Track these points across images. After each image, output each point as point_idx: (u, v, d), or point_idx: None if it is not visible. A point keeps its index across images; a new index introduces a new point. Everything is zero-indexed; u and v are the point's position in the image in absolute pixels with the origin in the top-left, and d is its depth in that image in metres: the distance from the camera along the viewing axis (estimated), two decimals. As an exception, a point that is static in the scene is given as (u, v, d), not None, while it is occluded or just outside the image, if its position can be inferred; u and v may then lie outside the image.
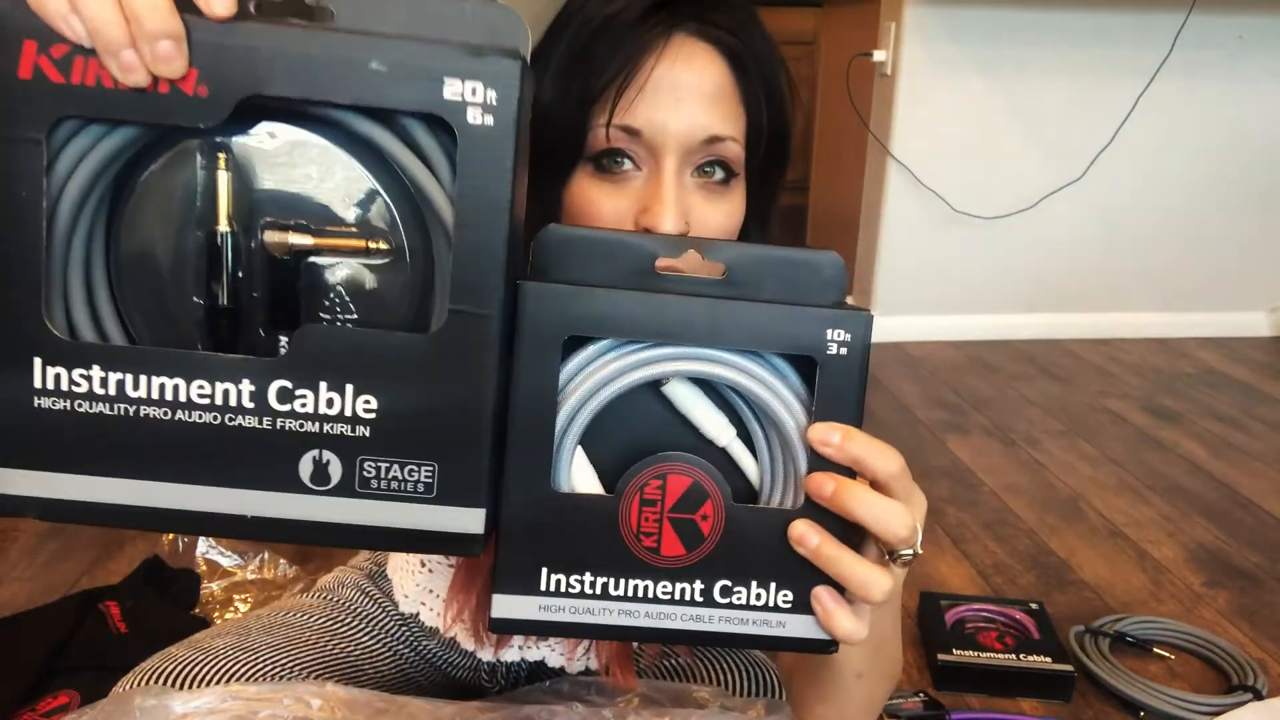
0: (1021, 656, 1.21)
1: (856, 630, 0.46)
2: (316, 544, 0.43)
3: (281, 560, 1.41)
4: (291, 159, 0.41)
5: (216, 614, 1.31)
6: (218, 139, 0.41)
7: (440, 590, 0.83)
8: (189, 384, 0.41)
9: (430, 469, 0.42)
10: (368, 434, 0.41)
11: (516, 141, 0.40)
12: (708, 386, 0.46)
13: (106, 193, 0.41)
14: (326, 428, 0.41)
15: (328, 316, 0.43)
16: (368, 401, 0.41)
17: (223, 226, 0.41)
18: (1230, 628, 1.37)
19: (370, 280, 0.42)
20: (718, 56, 0.60)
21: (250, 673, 0.74)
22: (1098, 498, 1.78)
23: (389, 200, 0.42)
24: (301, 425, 0.41)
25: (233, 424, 0.41)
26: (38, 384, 0.40)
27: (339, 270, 0.42)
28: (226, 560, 1.42)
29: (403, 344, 0.41)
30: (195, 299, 0.42)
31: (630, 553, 0.45)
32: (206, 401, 0.41)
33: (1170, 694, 1.18)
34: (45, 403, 0.41)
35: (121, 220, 0.41)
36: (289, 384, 0.41)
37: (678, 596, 0.45)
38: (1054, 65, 2.54)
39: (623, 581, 0.45)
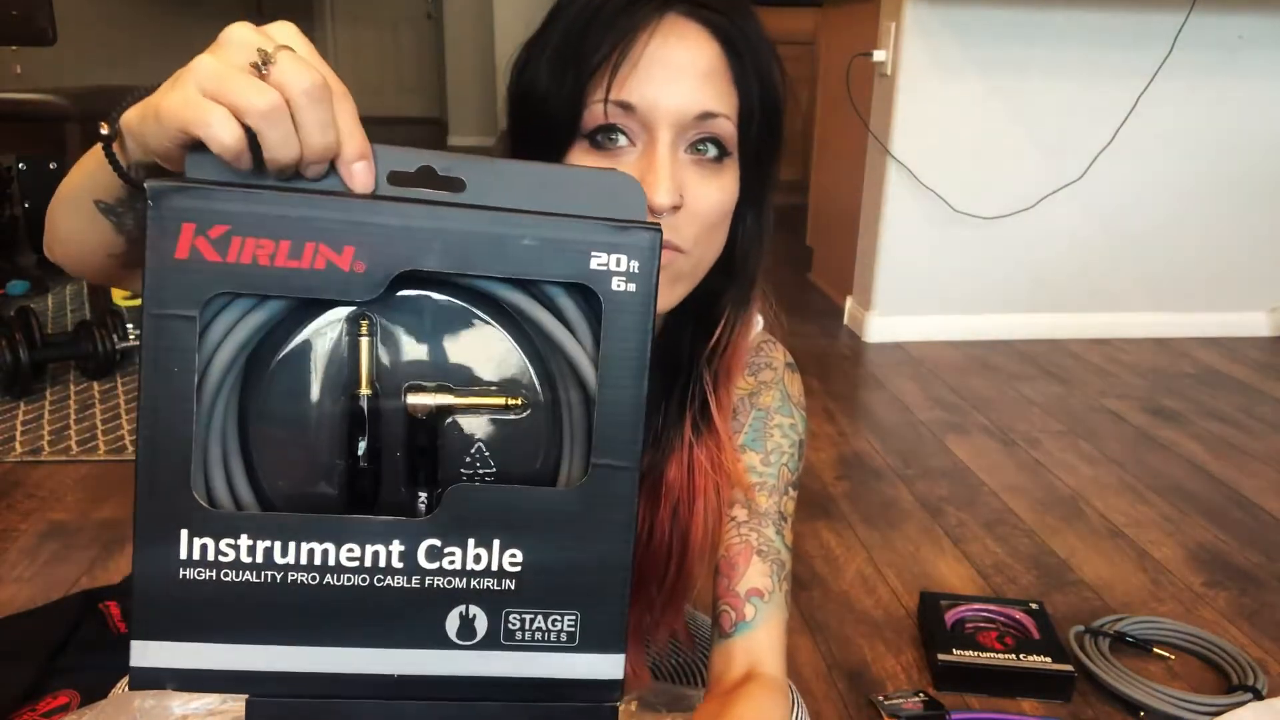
0: (1021, 656, 1.21)
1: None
2: (461, 699, 0.43)
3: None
4: (432, 323, 0.43)
5: (216, 614, 1.31)
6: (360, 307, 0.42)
7: None
8: (339, 548, 0.41)
9: (573, 618, 0.43)
10: (513, 587, 0.42)
11: (654, 303, 0.42)
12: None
13: (245, 364, 0.42)
14: (474, 583, 0.42)
15: (468, 472, 0.44)
16: (514, 555, 0.42)
17: (365, 390, 0.42)
18: (1230, 628, 1.37)
19: (507, 435, 0.44)
20: (709, 36, 0.61)
21: None
22: (1098, 498, 1.78)
23: (526, 359, 0.43)
24: (449, 582, 0.42)
25: (381, 585, 0.41)
26: (184, 555, 0.40)
27: (478, 427, 0.44)
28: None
29: (548, 498, 0.43)
30: (336, 460, 0.43)
31: None
32: (356, 564, 0.41)
33: (1170, 694, 1.17)
34: (190, 573, 0.41)
35: (262, 386, 0.42)
36: (438, 542, 0.42)
37: None
38: (1054, 65, 2.54)
39: None
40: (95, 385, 2.17)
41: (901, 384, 2.38)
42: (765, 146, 0.66)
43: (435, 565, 0.42)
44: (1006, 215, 2.65)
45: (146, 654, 0.41)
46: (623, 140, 0.60)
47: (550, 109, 0.61)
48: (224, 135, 0.38)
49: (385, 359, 0.43)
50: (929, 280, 2.71)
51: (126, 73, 4.85)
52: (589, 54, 0.60)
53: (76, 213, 0.52)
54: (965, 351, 2.65)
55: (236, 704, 0.43)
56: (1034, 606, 1.33)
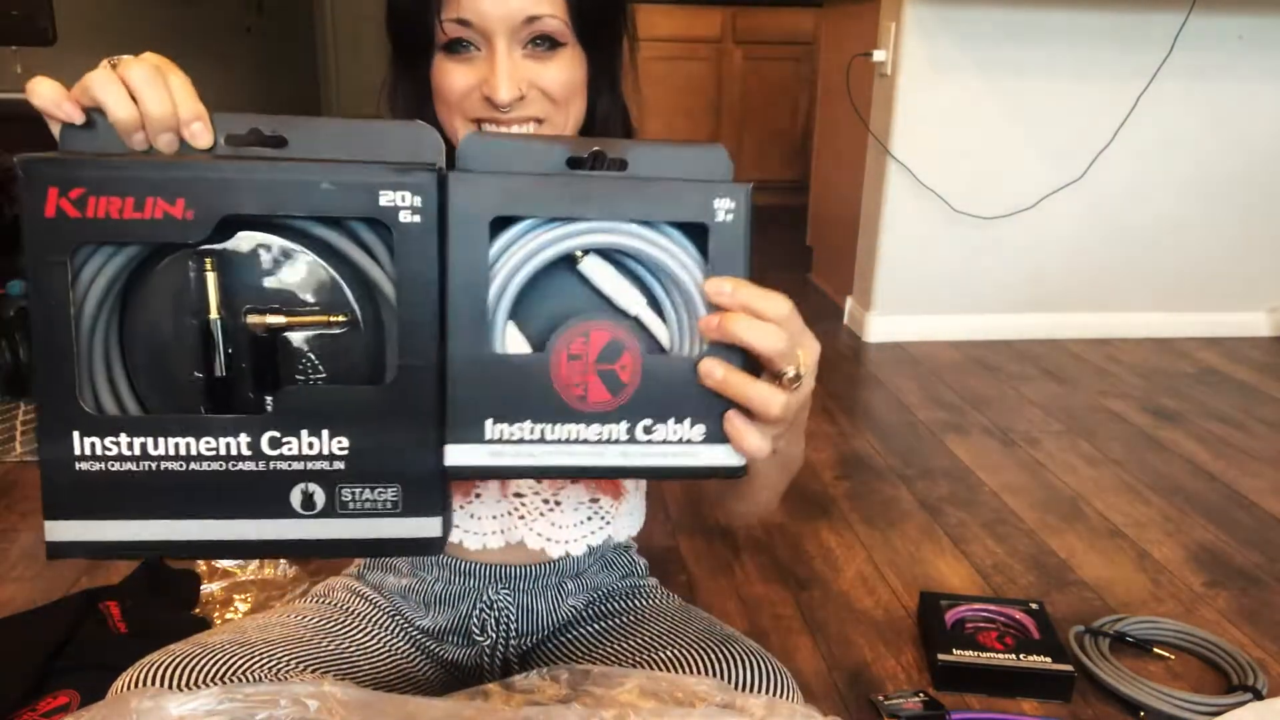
0: (1021, 656, 1.21)
1: (761, 446, 0.54)
2: (311, 556, 0.52)
3: (282, 560, 1.41)
4: (265, 258, 0.52)
5: (216, 614, 1.31)
6: (205, 247, 0.51)
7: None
8: (198, 441, 0.51)
9: (395, 489, 0.53)
10: (343, 467, 0.52)
11: (440, 232, 0.51)
12: (619, 267, 0.54)
13: (119, 297, 0.52)
14: (310, 465, 0.52)
15: (302, 378, 0.53)
16: (341, 441, 0.52)
17: (213, 315, 0.52)
18: (1230, 628, 1.37)
19: (333, 346, 0.54)
20: None
21: (248, 667, 0.75)
22: (1098, 498, 1.78)
23: (344, 284, 0.53)
24: (290, 465, 0.52)
25: (235, 469, 0.52)
26: (77, 451, 0.51)
27: (308, 341, 0.53)
28: (226, 560, 1.42)
29: (364, 394, 0.52)
30: (196, 374, 0.53)
31: (562, 401, 0.53)
32: (213, 454, 0.51)
33: (1170, 694, 1.17)
34: (84, 466, 0.51)
35: (132, 317, 0.52)
36: (278, 433, 0.51)
37: (606, 437, 0.53)
38: (1054, 65, 2.54)
39: (557, 427, 0.53)
40: (95, 385, 2.17)
41: (901, 384, 2.38)
42: (603, 32, 0.77)
43: (277, 452, 0.52)
44: (1006, 215, 2.65)
45: (56, 531, 0.51)
46: (472, 48, 0.72)
47: (409, 28, 0.73)
48: (43, 97, 0.50)
49: (230, 289, 0.52)
50: (929, 280, 2.71)
51: (127, 73, 4.85)
52: None
53: None
54: (965, 351, 2.65)
55: (234, 705, 0.43)
56: (1034, 606, 1.33)
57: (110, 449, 0.50)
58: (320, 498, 0.52)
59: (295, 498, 0.52)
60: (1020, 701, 1.20)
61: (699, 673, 0.81)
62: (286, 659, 0.78)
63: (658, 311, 0.54)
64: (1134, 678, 1.20)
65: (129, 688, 0.74)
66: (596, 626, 0.92)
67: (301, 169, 0.50)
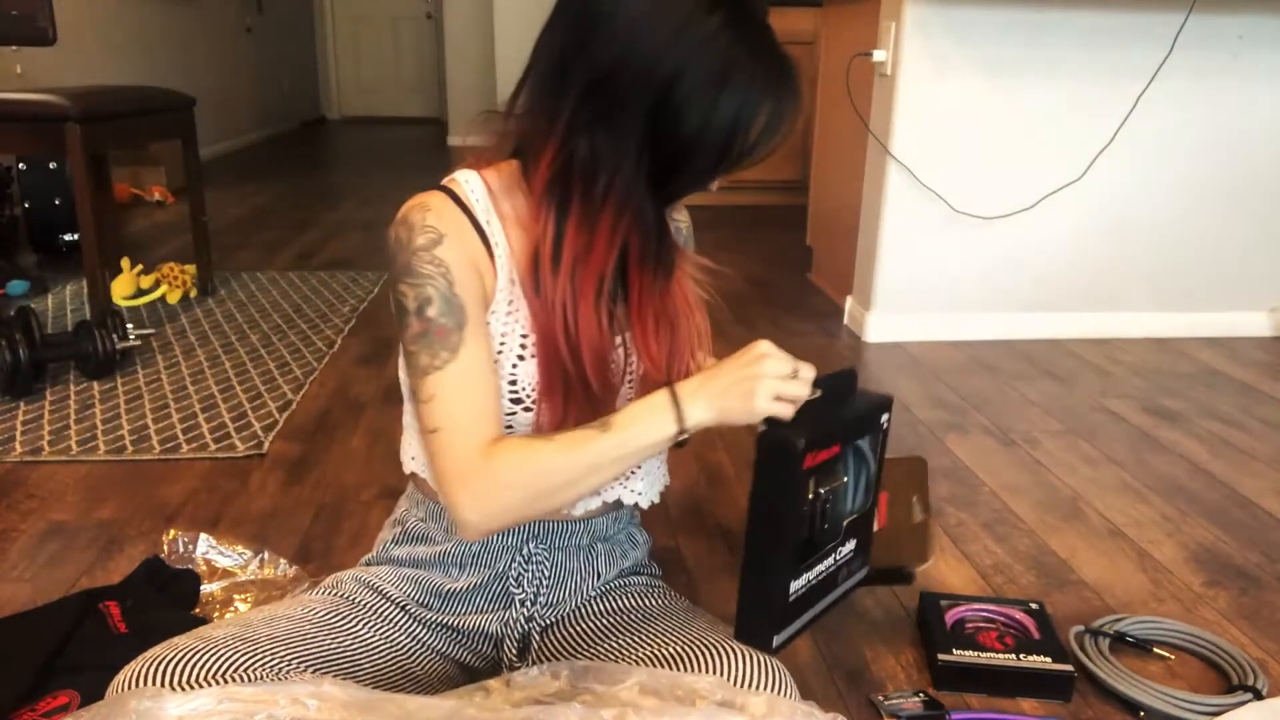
0: (1021, 656, 1.21)
1: None
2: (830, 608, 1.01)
3: (282, 560, 1.41)
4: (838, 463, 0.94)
5: (216, 614, 1.31)
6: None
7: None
8: (808, 572, 0.93)
9: (864, 557, 1.04)
10: (853, 555, 1.00)
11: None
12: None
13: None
14: (845, 559, 0.99)
15: (834, 514, 0.93)
16: (851, 544, 0.99)
17: (813, 494, 0.89)
18: (1230, 628, 1.37)
19: (845, 495, 0.94)
20: None
21: (250, 663, 0.75)
22: (1098, 498, 1.78)
23: (850, 463, 0.94)
24: (838, 562, 0.97)
25: (822, 578, 0.95)
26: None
27: (840, 495, 0.93)
28: (226, 560, 1.41)
29: (858, 519, 0.98)
30: (802, 532, 0.90)
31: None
32: (815, 575, 0.94)
33: (1170, 694, 1.17)
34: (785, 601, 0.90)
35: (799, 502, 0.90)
36: (833, 547, 0.95)
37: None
38: (1054, 65, 2.55)
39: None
40: (95, 385, 2.17)
41: (901, 384, 2.38)
42: None
43: (835, 558, 0.96)
44: (1006, 215, 2.66)
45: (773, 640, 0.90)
46: None
47: (714, 158, 0.79)
48: (787, 415, 0.82)
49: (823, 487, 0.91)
50: (929, 280, 2.71)
51: (126, 73, 4.85)
52: (754, 129, 0.78)
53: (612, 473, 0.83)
54: (965, 351, 2.65)
55: (234, 705, 0.43)
56: (1034, 606, 1.33)
57: (797, 587, 0.91)
58: (844, 574, 1.00)
59: (841, 575, 0.99)
60: (1020, 701, 1.20)
61: (700, 669, 0.82)
62: (287, 657, 0.78)
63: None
64: (1134, 678, 1.20)
65: (131, 681, 0.74)
66: (606, 621, 0.94)
67: (845, 426, 0.91)
